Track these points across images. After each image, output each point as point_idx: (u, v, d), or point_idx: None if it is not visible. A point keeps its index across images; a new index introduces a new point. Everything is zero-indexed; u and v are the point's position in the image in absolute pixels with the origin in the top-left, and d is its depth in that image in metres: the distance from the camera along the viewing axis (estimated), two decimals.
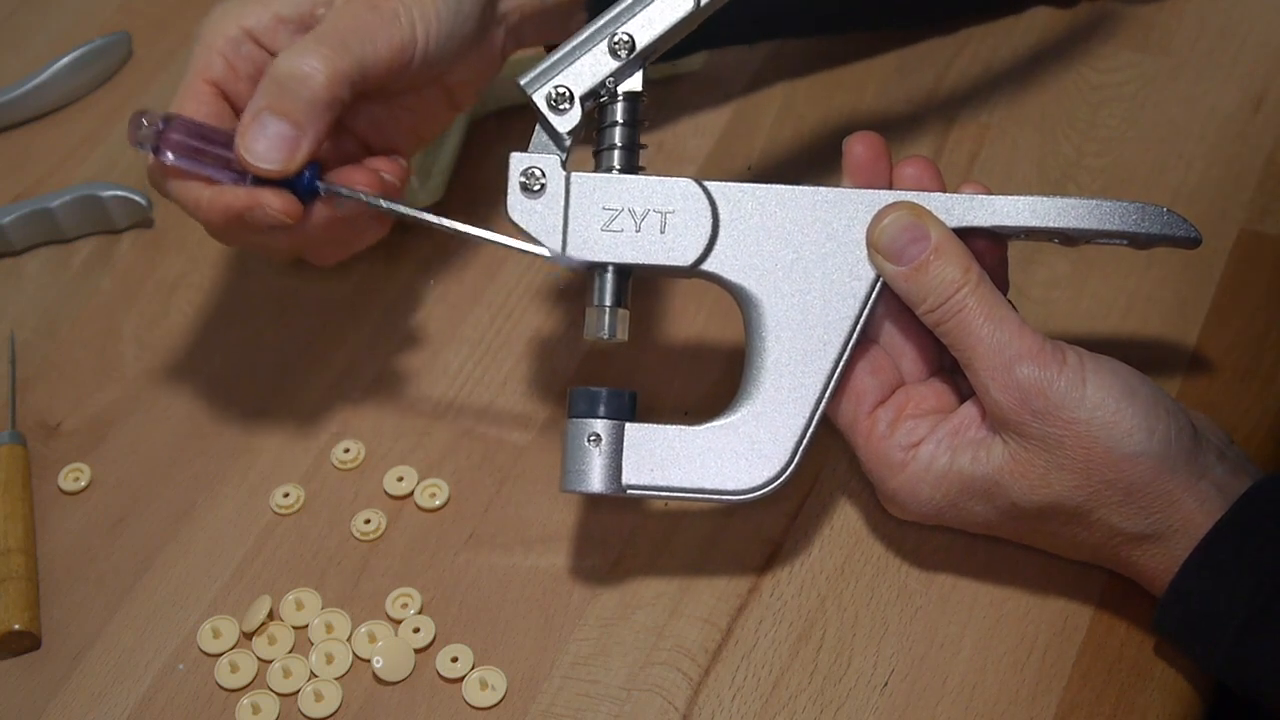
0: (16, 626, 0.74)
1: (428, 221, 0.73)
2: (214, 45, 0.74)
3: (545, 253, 0.72)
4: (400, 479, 0.80)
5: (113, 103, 0.98)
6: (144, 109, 0.72)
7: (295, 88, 0.71)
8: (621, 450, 0.71)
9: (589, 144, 0.74)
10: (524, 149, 0.72)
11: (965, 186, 0.72)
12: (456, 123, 0.91)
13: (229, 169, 0.72)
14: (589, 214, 0.72)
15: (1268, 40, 0.95)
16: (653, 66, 0.73)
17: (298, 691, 0.73)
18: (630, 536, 0.77)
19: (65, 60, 0.97)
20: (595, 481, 0.70)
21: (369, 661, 0.74)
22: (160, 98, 0.97)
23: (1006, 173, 0.90)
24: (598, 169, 0.73)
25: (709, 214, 0.72)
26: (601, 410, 0.70)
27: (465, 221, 0.73)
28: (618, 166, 0.73)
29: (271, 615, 0.76)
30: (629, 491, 0.71)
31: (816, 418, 0.71)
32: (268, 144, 0.70)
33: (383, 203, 0.73)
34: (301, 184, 0.72)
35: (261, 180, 0.71)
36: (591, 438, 0.71)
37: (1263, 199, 0.88)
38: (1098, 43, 0.95)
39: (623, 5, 0.71)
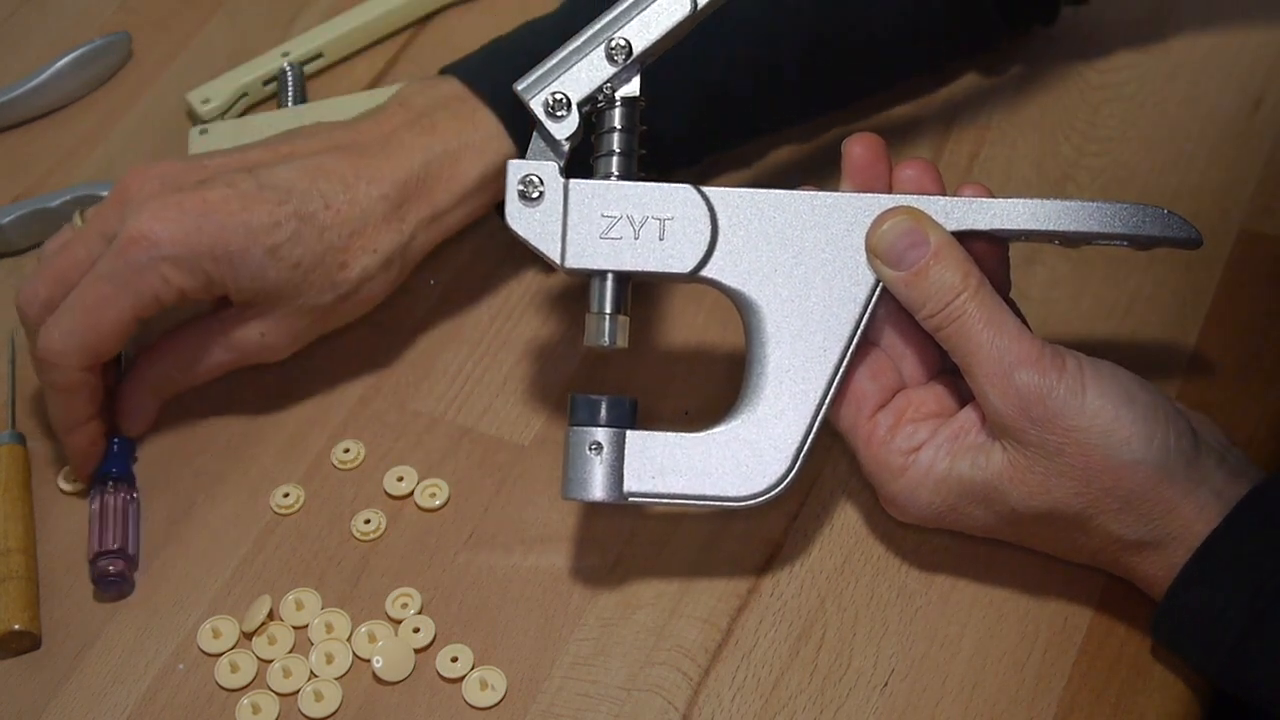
0: (16, 626, 0.74)
1: None
2: None
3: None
4: (400, 479, 0.80)
5: (113, 103, 0.98)
6: None
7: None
8: (623, 458, 0.71)
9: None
10: None
11: (965, 188, 0.72)
12: None
13: None
14: (588, 221, 0.71)
15: (1268, 40, 0.95)
16: None
17: (298, 691, 0.73)
18: (630, 537, 0.77)
19: (65, 60, 0.97)
20: (597, 490, 0.70)
21: (369, 661, 0.74)
22: (160, 97, 0.98)
23: (1006, 173, 0.90)
24: (595, 175, 0.73)
25: (708, 220, 0.72)
26: (603, 418, 0.70)
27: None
28: (616, 173, 0.72)
29: (271, 615, 0.76)
30: (630, 499, 0.71)
31: (817, 423, 0.71)
32: None
33: None
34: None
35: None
36: (593, 446, 0.70)
37: (1263, 199, 0.87)
38: (1097, 43, 0.95)
39: (619, 9, 0.71)
